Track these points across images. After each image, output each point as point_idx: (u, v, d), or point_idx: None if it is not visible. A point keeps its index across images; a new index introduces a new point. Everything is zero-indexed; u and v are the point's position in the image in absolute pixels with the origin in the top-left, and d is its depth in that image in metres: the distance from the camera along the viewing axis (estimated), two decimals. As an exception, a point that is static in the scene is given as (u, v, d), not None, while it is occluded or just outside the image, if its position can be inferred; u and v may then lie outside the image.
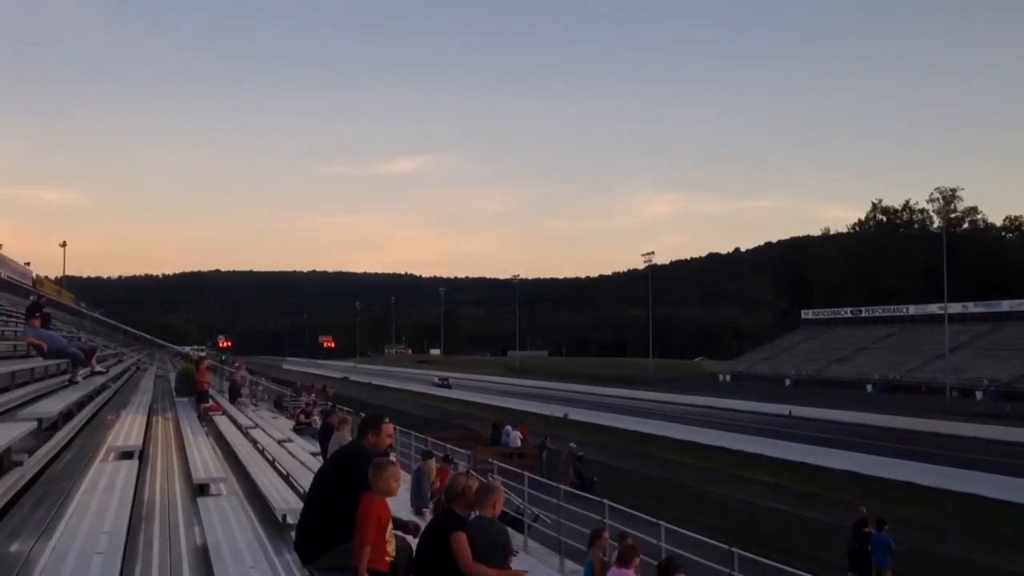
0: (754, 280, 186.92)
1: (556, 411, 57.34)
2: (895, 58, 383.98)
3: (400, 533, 5.96)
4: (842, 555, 18.45)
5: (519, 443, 34.37)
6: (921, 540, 21.11)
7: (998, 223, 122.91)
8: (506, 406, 63.32)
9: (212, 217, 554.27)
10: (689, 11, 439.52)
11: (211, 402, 21.27)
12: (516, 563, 6.33)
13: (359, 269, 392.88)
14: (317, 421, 22.32)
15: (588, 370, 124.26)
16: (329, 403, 33.16)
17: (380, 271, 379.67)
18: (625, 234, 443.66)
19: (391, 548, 5.43)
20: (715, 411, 65.70)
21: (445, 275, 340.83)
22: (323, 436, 15.42)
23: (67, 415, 11.15)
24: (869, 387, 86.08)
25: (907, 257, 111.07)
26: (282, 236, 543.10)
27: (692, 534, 13.14)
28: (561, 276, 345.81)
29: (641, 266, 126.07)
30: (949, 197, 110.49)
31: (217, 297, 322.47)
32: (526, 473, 17.07)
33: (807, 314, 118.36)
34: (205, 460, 10.75)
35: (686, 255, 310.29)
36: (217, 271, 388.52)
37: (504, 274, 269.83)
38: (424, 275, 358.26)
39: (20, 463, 7.42)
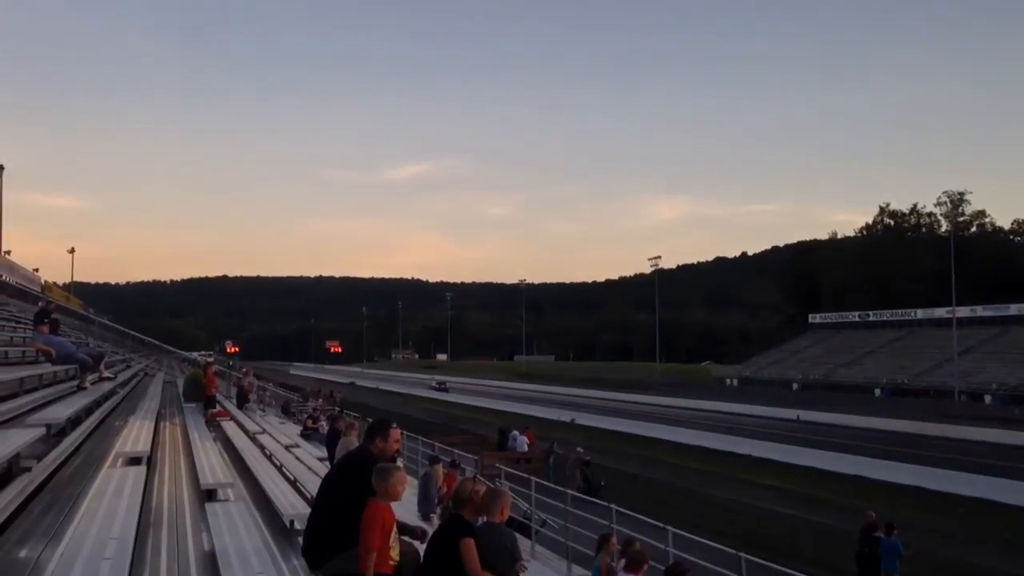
0: (761, 284, 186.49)
1: (563, 416, 57.31)
2: (902, 61, 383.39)
3: (407, 539, 5.96)
4: (850, 559, 18.38)
5: (526, 448, 34.37)
6: (929, 544, 21.03)
7: (1006, 227, 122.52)
8: (513, 411, 63.26)
9: (219, 223, 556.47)
10: (694, 14, 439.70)
11: (219, 408, 21.28)
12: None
13: (366, 274, 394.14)
14: (324, 426, 22.34)
15: (595, 374, 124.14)
16: (336, 408, 33.21)
17: (387, 276, 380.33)
18: (632, 238, 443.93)
19: (395, 553, 5.43)
20: (722, 415, 65.53)
21: (452, 280, 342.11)
22: (330, 441, 15.44)
23: (75, 421, 11.17)
24: (877, 391, 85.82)
25: (915, 261, 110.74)
26: (289, 242, 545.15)
27: (699, 539, 13.12)
28: (568, 280, 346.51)
29: (648, 270, 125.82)
30: (957, 201, 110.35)
31: (224, 303, 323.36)
32: (533, 478, 17.06)
33: (814, 318, 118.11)
34: (213, 466, 10.76)
35: (693, 259, 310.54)
36: (224, 277, 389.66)
37: (511, 279, 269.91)
38: (431, 280, 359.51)
39: (28, 469, 7.43)
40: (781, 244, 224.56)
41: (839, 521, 23.69)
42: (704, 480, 33.53)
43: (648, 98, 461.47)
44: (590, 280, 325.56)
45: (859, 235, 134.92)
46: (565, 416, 57.01)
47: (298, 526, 7.70)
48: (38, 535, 6.07)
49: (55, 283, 57.06)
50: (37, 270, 50.46)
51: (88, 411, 12.66)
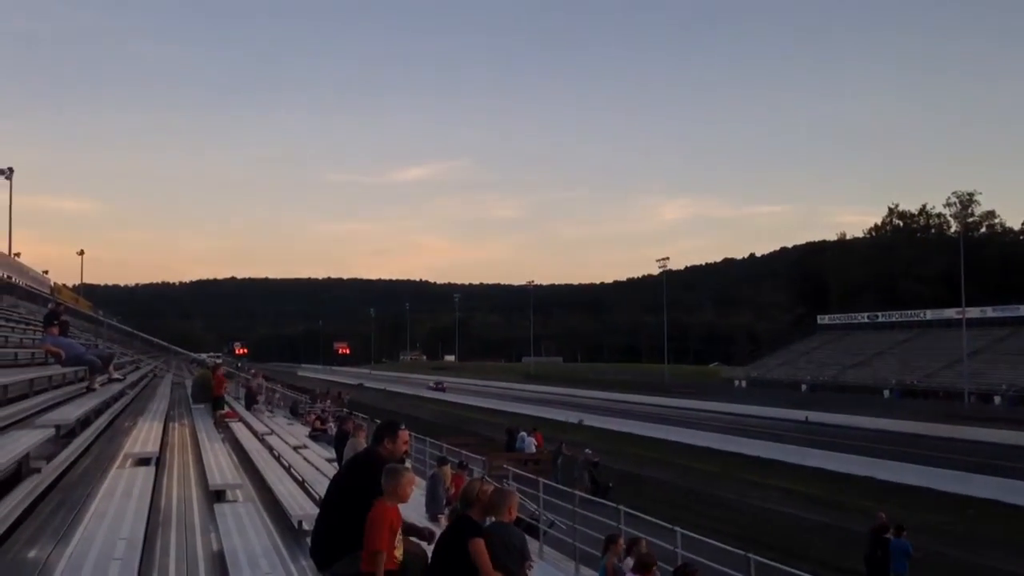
0: (769, 285, 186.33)
1: (571, 417, 57.29)
2: (911, 62, 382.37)
3: (415, 539, 5.96)
4: (859, 560, 18.33)
5: (534, 449, 34.36)
6: (939, 546, 20.97)
7: (1016, 227, 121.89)
8: (520, 412, 63.26)
9: (228, 225, 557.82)
10: (700, 14, 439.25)
11: (227, 409, 21.33)
12: (531, 570, 6.32)
13: (374, 276, 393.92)
14: (332, 428, 22.39)
15: (603, 376, 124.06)
16: (344, 410, 33.28)
17: (395, 278, 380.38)
18: (640, 240, 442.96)
19: (399, 553, 5.44)
20: (731, 416, 65.41)
21: (459, 282, 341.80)
22: (338, 442, 15.48)
23: (84, 422, 11.22)
24: (886, 392, 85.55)
25: (924, 262, 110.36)
26: (297, 244, 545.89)
27: (708, 540, 13.10)
28: (576, 282, 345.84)
29: (656, 271, 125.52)
30: (966, 201, 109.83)
31: (233, 304, 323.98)
32: (541, 479, 17.07)
33: (823, 319, 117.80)
34: (221, 466, 10.78)
35: (701, 260, 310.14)
36: (233, 278, 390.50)
37: (518, 280, 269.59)
38: (438, 282, 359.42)
39: (38, 470, 7.47)
40: (790, 245, 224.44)
41: (848, 522, 23.64)
42: (712, 481, 33.48)
43: (655, 98, 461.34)
44: (598, 281, 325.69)
45: (868, 236, 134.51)
46: (573, 417, 56.97)
47: (306, 527, 7.71)
48: (48, 535, 6.09)
49: (64, 285, 57.38)
50: (47, 272, 50.81)
51: (97, 412, 12.71)
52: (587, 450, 31.66)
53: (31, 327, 20.39)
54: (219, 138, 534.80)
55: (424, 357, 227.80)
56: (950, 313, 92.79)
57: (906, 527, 17.81)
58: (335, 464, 14.03)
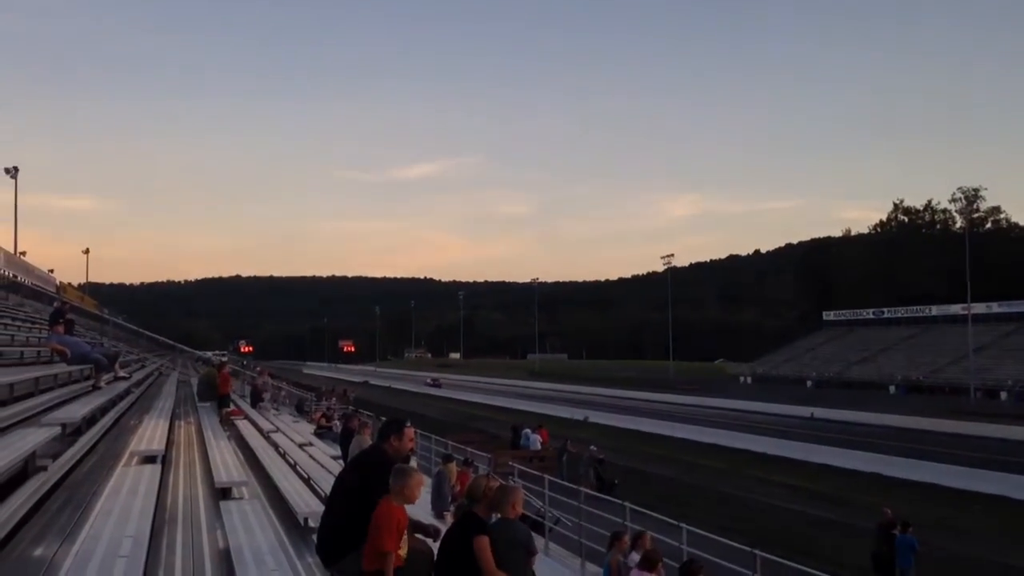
0: (775, 282, 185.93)
1: (576, 414, 57.30)
2: (915, 56, 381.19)
3: (420, 536, 5.96)
4: (866, 556, 18.30)
5: (539, 446, 34.36)
6: (946, 541, 20.94)
7: (1022, 223, 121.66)
8: (526, 409, 63.28)
9: (233, 224, 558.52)
10: (705, 9, 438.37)
11: (233, 407, 21.37)
12: (537, 565, 6.32)
13: (379, 274, 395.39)
14: (338, 425, 22.39)
15: (608, 373, 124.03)
16: (350, 407, 33.30)
17: (400, 275, 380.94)
18: (644, 236, 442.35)
19: (403, 552, 5.43)
20: (736, 413, 65.39)
21: (464, 279, 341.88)
22: (344, 440, 15.48)
23: (90, 420, 11.24)
24: (892, 388, 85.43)
25: (929, 257, 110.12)
26: (302, 242, 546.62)
27: (713, 536, 13.09)
28: (580, 279, 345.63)
29: (661, 268, 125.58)
30: (972, 197, 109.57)
31: (238, 303, 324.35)
32: (546, 476, 17.07)
33: (828, 315, 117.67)
34: (227, 464, 10.80)
35: (706, 257, 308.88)
36: (238, 277, 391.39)
37: (523, 278, 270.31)
38: (443, 279, 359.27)
39: (44, 468, 7.48)
40: (795, 241, 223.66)
41: (854, 518, 23.59)
42: (718, 477, 33.46)
43: (660, 96, 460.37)
44: (603, 279, 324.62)
45: (873, 232, 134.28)
46: (578, 414, 56.98)
47: (312, 524, 7.72)
48: (54, 533, 6.10)
49: (70, 284, 57.50)
50: (52, 271, 50.91)
51: (103, 410, 12.74)
52: (592, 447, 31.64)
53: (37, 326, 20.44)
54: (224, 136, 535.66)
55: (429, 354, 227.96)
56: (955, 309, 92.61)
57: (912, 523, 17.79)
58: (340, 461, 14.04)
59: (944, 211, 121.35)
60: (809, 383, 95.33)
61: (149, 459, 9.91)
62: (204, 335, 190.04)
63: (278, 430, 18.59)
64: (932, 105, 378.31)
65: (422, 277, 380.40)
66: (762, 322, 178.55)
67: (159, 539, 6.88)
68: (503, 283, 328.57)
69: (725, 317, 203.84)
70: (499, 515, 5.97)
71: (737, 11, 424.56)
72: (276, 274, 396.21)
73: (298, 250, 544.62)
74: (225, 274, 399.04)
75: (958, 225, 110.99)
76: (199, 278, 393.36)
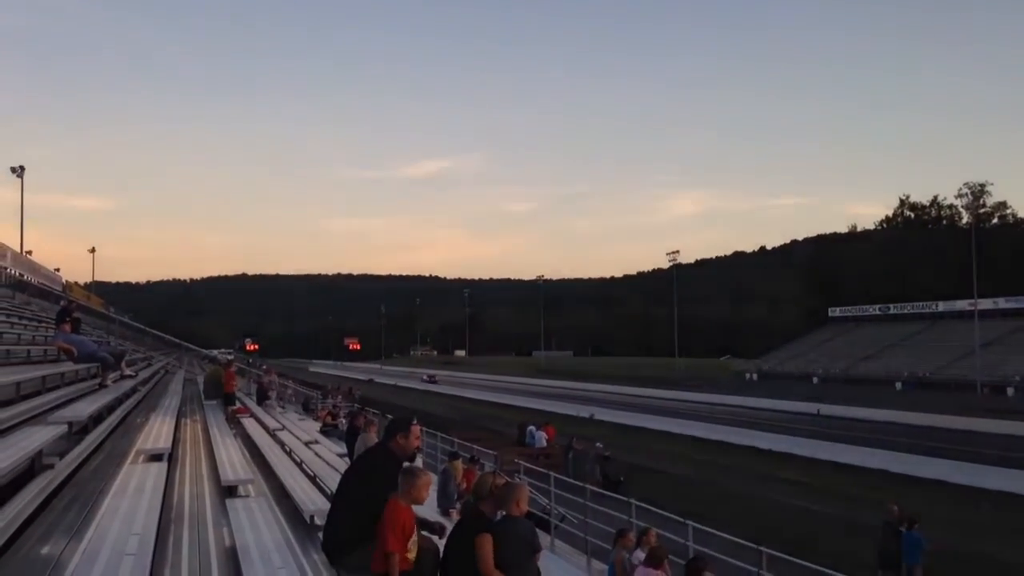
0: (780, 278, 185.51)
1: (582, 411, 57.27)
2: (921, 52, 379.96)
3: (426, 533, 5.97)
4: (872, 553, 18.25)
5: (545, 443, 34.36)
6: (953, 538, 20.87)
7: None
8: (532, 407, 63.24)
9: (239, 222, 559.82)
10: (711, 4, 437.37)
11: (239, 405, 21.42)
12: (542, 563, 6.32)
13: (384, 272, 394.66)
14: (344, 423, 22.43)
15: (613, 370, 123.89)
16: (355, 405, 33.35)
17: (405, 273, 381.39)
18: (650, 233, 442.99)
19: (412, 555, 5.44)
20: (742, 410, 65.24)
21: (470, 277, 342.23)
22: (350, 438, 15.51)
23: (97, 418, 11.27)
24: (898, 384, 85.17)
25: (936, 253, 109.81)
26: (308, 240, 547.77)
27: (720, 533, 13.07)
28: (586, 276, 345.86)
29: (666, 265, 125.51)
30: (978, 192, 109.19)
31: (244, 301, 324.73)
32: (552, 473, 17.07)
33: (834, 311, 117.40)
34: (233, 462, 10.82)
35: (711, 254, 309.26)
36: (244, 275, 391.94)
37: (529, 275, 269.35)
38: (449, 277, 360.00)
39: (51, 466, 7.51)
40: (800, 238, 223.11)
41: (860, 515, 23.54)
42: (724, 474, 33.40)
43: (665, 92, 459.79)
44: (608, 276, 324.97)
45: (879, 228, 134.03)
46: (584, 411, 56.94)
47: (318, 521, 7.74)
48: (61, 531, 6.13)
49: (76, 282, 57.67)
50: (58, 270, 51.02)
51: (110, 409, 12.77)
52: (598, 444, 31.63)
53: (43, 324, 20.49)
54: (229, 135, 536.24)
55: (435, 352, 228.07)
56: (962, 305, 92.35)
57: (919, 519, 17.73)
58: (346, 459, 14.06)
59: (950, 207, 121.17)
60: (815, 380, 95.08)
61: (155, 457, 9.95)
62: (210, 333, 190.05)
63: (284, 428, 18.62)
64: (938, 100, 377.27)
65: (428, 275, 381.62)
66: (768, 319, 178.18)
67: (165, 537, 6.90)
68: (509, 280, 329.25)
69: (731, 314, 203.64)
70: (504, 512, 5.97)
71: (743, 6, 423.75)
72: (282, 272, 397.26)
73: (304, 248, 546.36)
74: (231, 272, 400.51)
75: (964, 221, 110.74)
76: (205, 276, 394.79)
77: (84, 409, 10.42)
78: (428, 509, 10.64)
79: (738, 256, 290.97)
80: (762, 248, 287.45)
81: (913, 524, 17.33)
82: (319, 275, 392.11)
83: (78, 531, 6.08)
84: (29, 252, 45.40)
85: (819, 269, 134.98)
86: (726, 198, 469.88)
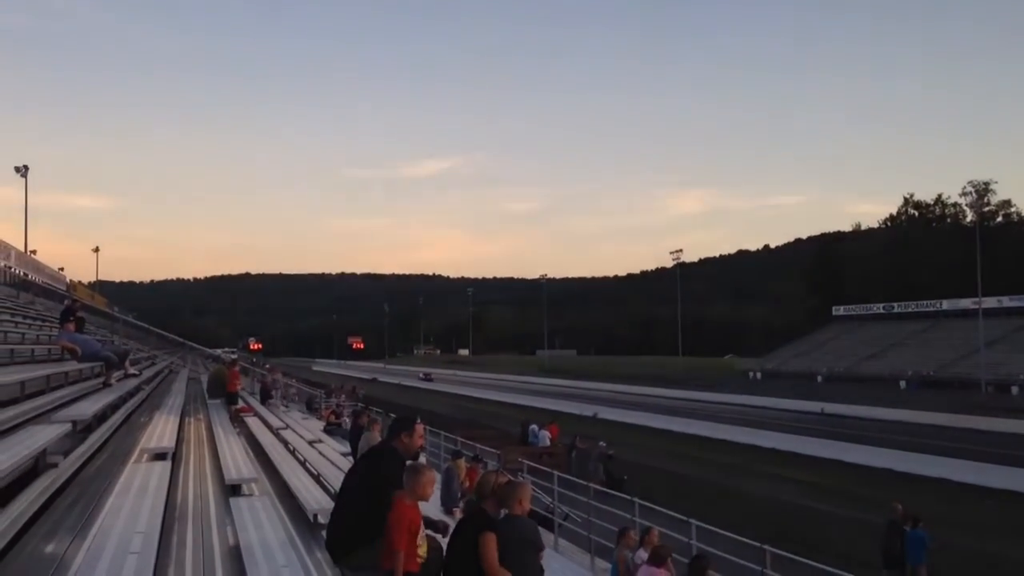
0: (784, 277, 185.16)
1: (586, 410, 57.26)
2: (925, 50, 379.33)
3: (431, 532, 5.97)
4: (876, 552, 18.24)
5: (548, 442, 34.36)
6: (957, 537, 20.84)
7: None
8: (536, 405, 63.26)
9: (242, 221, 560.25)
10: (713, 4, 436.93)
11: (242, 404, 21.44)
12: (546, 561, 6.32)
13: (387, 271, 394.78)
14: (347, 422, 22.45)
15: (617, 369, 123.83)
16: (359, 404, 33.34)
17: (408, 272, 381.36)
18: (653, 232, 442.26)
19: (423, 551, 5.44)
20: (746, 408, 65.22)
21: (473, 276, 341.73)
22: (353, 436, 15.52)
23: (101, 417, 11.29)
24: (902, 383, 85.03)
25: (940, 252, 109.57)
26: (311, 239, 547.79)
27: (723, 532, 13.07)
28: (589, 275, 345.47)
29: (670, 264, 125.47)
30: (982, 191, 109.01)
31: (247, 300, 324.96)
32: (556, 472, 17.07)
33: (838, 310, 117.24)
34: (237, 461, 10.84)
35: (715, 252, 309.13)
36: (247, 274, 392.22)
37: (532, 274, 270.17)
38: (452, 276, 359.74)
39: (55, 465, 7.52)
40: (804, 236, 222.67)
41: (865, 513, 23.51)
42: (727, 473, 33.39)
43: (668, 91, 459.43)
44: (612, 275, 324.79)
45: (883, 226, 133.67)
46: (588, 410, 56.92)
47: (322, 520, 7.75)
48: (65, 530, 6.13)
49: (80, 282, 57.72)
50: (62, 269, 51.05)
51: (113, 408, 12.79)
52: (601, 443, 31.61)
53: (47, 324, 20.52)
54: (233, 134, 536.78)
55: (438, 351, 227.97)
56: (966, 303, 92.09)
57: (923, 518, 17.72)
58: (350, 458, 14.07)
59: (955, 205, 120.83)
60: (819, 378, 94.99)
61: (159, 456, 9.96)
62: (214, 332, 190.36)
63: (288, 427, 18.65)
64: (942, 99, 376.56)
65: (431, 274, 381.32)
66: (772, 317, 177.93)
67: (169, 535, 6.91)
68: (512, 279, 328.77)
69: (734, 313, 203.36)
70: (507, 511, 5.97)
71: (745, 5, 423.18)
72: (285, 271, 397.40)
73: (307, 247, 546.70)
74: (234, 272, 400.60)
75: (969, 219, 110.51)
76: (209, 276, 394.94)
77: (88, 408, 10.44)
78: (432, 508, 10.65)
79: (742, 255, 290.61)
80: (766, 247, 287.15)
81: (917, 523, 17.33)
82: (323, 274, 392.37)
83: (82, 530, 6.09)
84: (33, 251, 45.45)
85: (823, 268, 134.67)
86: (729, 197, 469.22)
